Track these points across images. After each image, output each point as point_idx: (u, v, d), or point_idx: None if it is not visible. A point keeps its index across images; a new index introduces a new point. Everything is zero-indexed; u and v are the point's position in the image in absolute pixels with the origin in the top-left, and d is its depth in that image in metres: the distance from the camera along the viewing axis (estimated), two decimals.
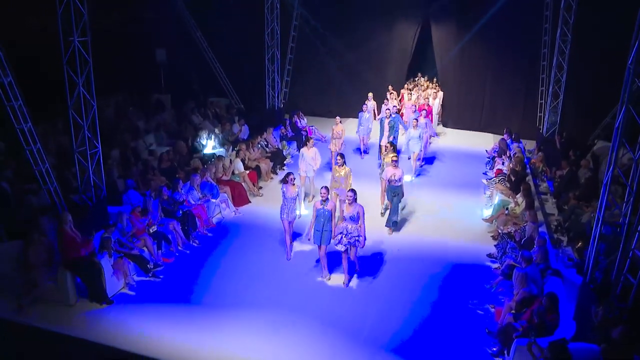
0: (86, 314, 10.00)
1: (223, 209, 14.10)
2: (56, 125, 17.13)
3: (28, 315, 9.90)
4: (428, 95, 22.47)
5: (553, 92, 17.89)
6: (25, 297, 10.12)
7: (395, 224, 13.36)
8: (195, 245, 12.54)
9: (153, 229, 11.74)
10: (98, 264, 10.27)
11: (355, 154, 19.27)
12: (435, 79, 23.93)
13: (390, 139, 17.08)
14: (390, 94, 21.75)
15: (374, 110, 20.13)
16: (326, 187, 10.87)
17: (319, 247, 10.93)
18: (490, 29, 20.67)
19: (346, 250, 10.71)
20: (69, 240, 10.03)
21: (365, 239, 10.78)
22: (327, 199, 10.87)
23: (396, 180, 13.07)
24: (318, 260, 11.40)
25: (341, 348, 9.21)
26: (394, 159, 13.35)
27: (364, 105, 18.80)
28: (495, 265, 11.80)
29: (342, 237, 10.58)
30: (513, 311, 9.32)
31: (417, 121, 17.26)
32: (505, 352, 8.77)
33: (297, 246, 12.36)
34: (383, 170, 13.97)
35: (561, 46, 17.24)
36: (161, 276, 11.24)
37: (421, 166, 18.18)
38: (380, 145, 17.74)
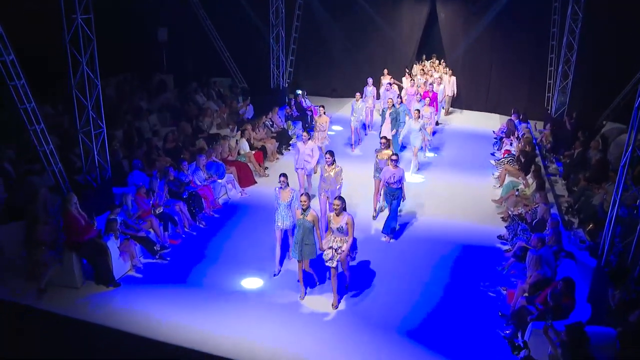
0: (92, 297, 9.86)
1: (229, 190, 13.95)
2: (56, 106, 16.94)
3: (40, 298, 9.77)
4: (434, 80, 21.61)
5: (562, 72, 17.64)
6: (42, 280, 9.95)
7: (393, 231, 12.09)
8: (202, 226, 12.39)
9: (159, 210, 11.58)
10: (104, 245, 10.10)
11: (346, 147, 18.20)
12: (443, 62, 23.38)
13: (393, 132, 15.98)
14: (392, 83, 20.78)
15: (373, 97, 19.62)
16: (307, 194, 9.49)
17: (298, 262, 9.78)
18: (498, 8, 20.37)
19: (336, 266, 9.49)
20: (74, 222, 9.86)
21: (355, 250, 9.60)
22: (309, 207, 9.43)
23: (395, 182, 11.77)
24: None
25: (351, 331, 9.09)
26: (394, 158, 11.90)
27: (358, 94, 18.05)
28: (506, 247, 11.65)
29: (333, 253, 9.34)
30: (526, 294, 9.19)
31: (419, 112, 16.01)
32: (519, 334, 8.64)
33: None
34: (376, 168, 12.82)
35: (571, 25, 16.97)
36: (168, 258, 11.10)
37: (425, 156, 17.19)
38: (384, 137, 15.76)
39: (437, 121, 20.28)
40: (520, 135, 16.65)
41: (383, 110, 16.84)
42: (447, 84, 21.78)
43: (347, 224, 9.22)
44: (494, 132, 19.07)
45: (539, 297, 8.80)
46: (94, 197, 11.49)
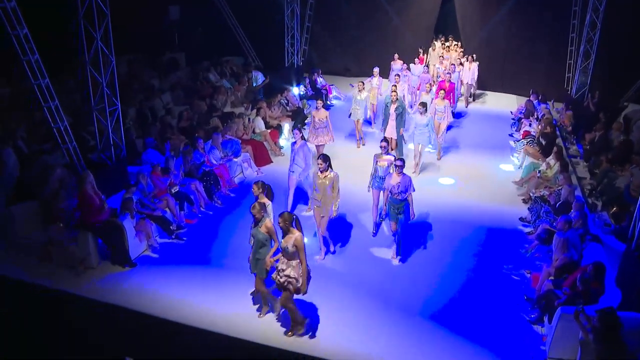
0: (108, 277, 9.71)
1: (245, 169, 13.74)
2: (67, 83, 16.71)
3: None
4: (457, 60, 20.57)
5: (584, 52, 17.23)
6: (78, 265, 9.86)
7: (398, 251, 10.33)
8: (218, 205, 12.19)
9: (175, 189, 11.39)
10: (120, 225, 9.92)
11: (349, 141, 16.48)
12: (460, 44, 22.61)
13: (401, 132, 14.17)
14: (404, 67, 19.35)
15: (378, 89, 18.02)
16: (260, 204, 8.45)
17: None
18: None
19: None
20: (89, 201, 9.67)
21: (308, 280, 8.11)
22: (264, 216, 8.42)
23: (400, 193, 9.93)
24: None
25: (373, 313, 8.92)
26: (398, 163, 10.10)
27: (360, 83, 16.17)
28: (528, 230, 11.41)
29: (277, 275, 8.09)
30: (552, 277, 8.96)
31: (426, 106, 13.99)
32: (546, 319, 8.42)
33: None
34: (373, 177, 11.06)
35: (595, 3, 16.51)
36: (184, 238, 10.92)
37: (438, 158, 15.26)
38: (384, 138, 12.98)
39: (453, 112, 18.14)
40: (539, 116, 16.31)
41: (386, 105, 14.51)
42: (467, 71, 20.18)
43: (295, 245, 7.81)
44: (511, 112, 18.73)
45: (567, 281, 8.57)
46: (108, 176, 11.32)
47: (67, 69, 17.63)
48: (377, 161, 10.95)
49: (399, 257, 10.25)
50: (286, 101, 17.11)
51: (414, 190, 10.14)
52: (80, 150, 11.55)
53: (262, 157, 14.23)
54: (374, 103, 17.34)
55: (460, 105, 20.01)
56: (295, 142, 11.71)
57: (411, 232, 11.31)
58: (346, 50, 23.13)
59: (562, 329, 7.75)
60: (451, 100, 17.13)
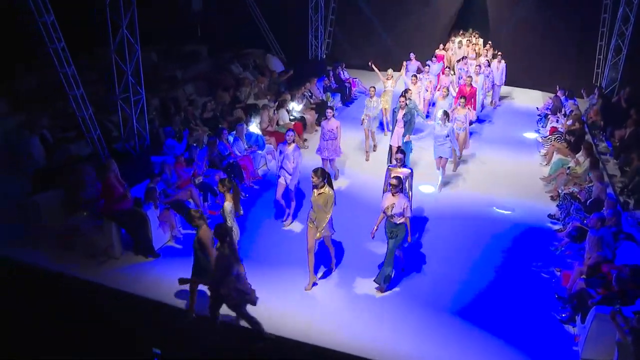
0: (132, 267, 9.66)
1: (269, 161, 13.60)
2: (90, 73, 16.69)
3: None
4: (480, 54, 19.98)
5: (615, 46, 16.82)
6: (101, 254, 9.86)
7: (388, 280, 9.10)
8: (242, 197, 12.02)
9: (199, 180, 11.29)
10: (144, 215, 9.85)
11: (357, 153, 14.96)
12: (488, 42, 21.75)
13: (408, 138, 12.71)
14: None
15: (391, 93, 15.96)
16: (198, 211, 8.26)
17: None
18: None
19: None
20: (112, 189, 9.59)
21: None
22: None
23: (396, 215, 8.77)
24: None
25: (401, 309, 8.78)
26: (393, 182, 8.84)
27: (372, 88, 14.62)
28: (557, 227, 11.17)
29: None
30: (584, 276, 8.72)
31: (447, 115, 12.49)
32: (578, 318, 8.21)
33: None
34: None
35: None
36: None
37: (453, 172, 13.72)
38: (390, 147, 12.84)
39: (473, 120, 16.63)
40: (567, 112, 15.99)
41: (394, 111, 13.20)
42: (495, 71, 18.86)
43: (238, 271, 7.74)
44: (537, 109, 18.39)
45: (600, 281, 8.34)
46: (132, 166, 11.24)
47: (90, 59, 17.67)
48: (390, 175, 9.83)
49: (384, 287, 9.14)
50: (310, 94, 16.94)
51: (411, 214, 8.98)
52: (104, 140, 11.50)
53: None
54: (386, 108, 15.57)
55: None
56: (285, 143, 10.82)
57: (438, 227, 11.19)
58: (370, 43, 22.84)
59: (596, 330, 7.54)
60: (473, 105, 15.79)
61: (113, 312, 8.59)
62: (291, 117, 15.37)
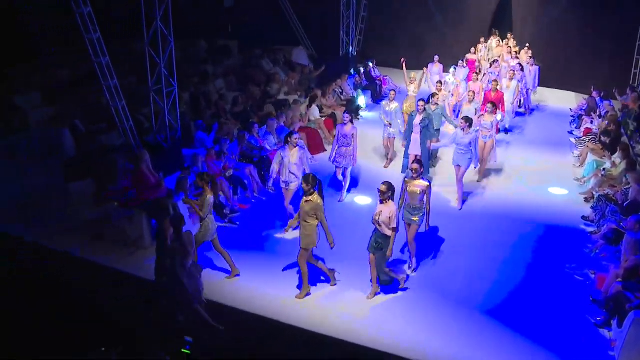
0: None
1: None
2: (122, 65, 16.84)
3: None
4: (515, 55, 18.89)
5: None
6: (131, 244, 9.96)
7: (387, 283, 8.91)
8: (271, 192, 11.95)
9: (229, 173, 11.29)
10: (175, 205, 9.85)
11: (377, 159, 14.14)
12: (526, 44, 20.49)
13: (430, 144, 12.17)
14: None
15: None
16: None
17: None
18: None
19: None
20: (144, 179, 9.64)
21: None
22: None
23: (383, 224, 8.30)
24: None
25: (431, 306, 8.70)
26: (382, 188, 8.29)
27: (392, 92, 13.79)
28: (591, 229, 10.94)
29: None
30: (621, 279, 8.51)
31: (467, 122, 11.44)
32: (614, 322, 8.02)
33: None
34: (402, 207, 9.26)
35: None
36: (237, 223, 10.84)
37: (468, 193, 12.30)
38: (416, 159, 11.54)
39: (505, 128, 16.08)
40: (602, 114, 15.69)
41: (411, 115, 12.53)
42: (527, 76, 17.86)
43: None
44: (571, 109, 18.08)
45: (639, 284, 8.13)
46: (163, 158, 11.27)
47: (122, 52, 17.83)
48: (406, 187, 9.19)
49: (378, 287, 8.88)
50: (340, 90, 16.87)
51: (397, 229, 8.36)
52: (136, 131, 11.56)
53: (316, 146, 14.02)
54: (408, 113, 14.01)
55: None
56: (285, 147, 10.36)
57: (468, 226, 11.05)
58: (401, 41, 22.65)
59: (635, 334, 7.34)
60: (502, 109, 14.65)
61: (141, 302, 8.62)
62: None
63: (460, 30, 21.77)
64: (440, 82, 15.16)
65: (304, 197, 8.42)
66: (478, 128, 12.36)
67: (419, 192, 8.98)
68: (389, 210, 8.19)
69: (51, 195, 11.26)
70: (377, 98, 18.69)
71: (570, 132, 16.45)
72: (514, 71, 16.23)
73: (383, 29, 22.36)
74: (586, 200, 12.15)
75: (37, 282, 8.66)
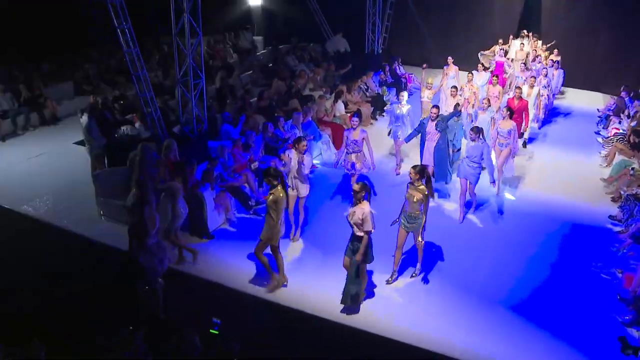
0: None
1: (324, 150, 13.55)
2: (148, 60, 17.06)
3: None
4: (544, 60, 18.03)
5: None
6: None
7: (355, 300, 8.29)
8: None
9: (255, 165, 11.34)
10: (201, 196, 9.94)
11: (382, 172, 12.90)
12: (541, 43, 20.02)
13: (453, 150, 11.90)
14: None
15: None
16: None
17: None
18: None
19: None
20: (173, 167, 9.71)
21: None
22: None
23: (357, 225, 7.89)
24: None
25: (455, 300, 8.72)
26: (355, 187, 7.93)
27: (404, 93, 13.28)
28: (619, 229, 10.82)
29: None
30: None
31: (477, 133, 10.63)
32: None
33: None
34: (400, 213, 8.83)
35: None
36: (262, 215, 10.81)
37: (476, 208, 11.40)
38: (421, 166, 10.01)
39: (524, 141, 14.76)
40: (632, 113, 15.49)
41: (422, 123, 11.80)
42: (551, 79, 17.06)
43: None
44: (598, 110, 17.86)
45: None
46: (190, 149, 11.36)
47: (148, 47, 18.07)
48: (408, 191, 8.66)
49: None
50: (366, 87, 16.86)
51: (372, 228, 7.84)
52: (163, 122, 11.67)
53: (340, 141, 13.94)
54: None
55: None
56: (284, 151, 10.22)
57: (493, 223, 11.01)
58: (426, 40, 22.55)
59: None
60: (525, 121, 13.91)
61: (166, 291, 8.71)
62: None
63: (487, 29, 21.49)
64: (455, 87, 13.91)
65: (269, 190, 8.29)
66: (496, 136, 11.96)
67: (416, 199, 8.40)
68: (361, 211, 7.76)
69: (80, 184, 11.48)
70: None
71: (597, 133, 16.26)
72: (534, 77, 15.31)
73: (409, 27, 22.27)
74: (613, 200, 12.02)
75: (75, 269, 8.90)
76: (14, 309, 7.82)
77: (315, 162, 13.13)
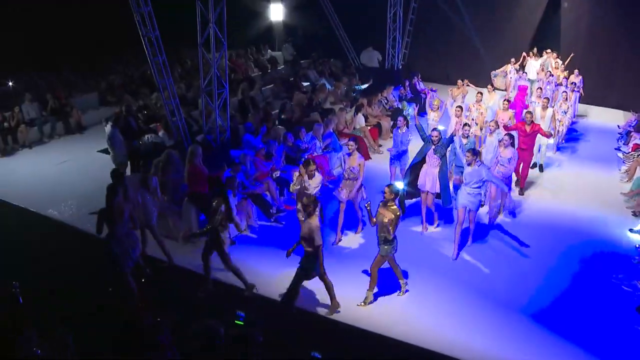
0: None
1: (344, 162, 13.64)
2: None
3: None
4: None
5: None
6: (179, 237, 10.31)
7: (290, 306, 8.30)
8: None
9: (276, 174, 11.50)
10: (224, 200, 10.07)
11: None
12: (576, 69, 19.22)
13: (456, 181, 11.05)
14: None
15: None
16: None
17: None
18: None
19: None
20: (198, 173, 9.89)
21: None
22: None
23: (305, 239, 7.98)
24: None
25: (472, 306, 8.78)
26: (304, 201, 8.05)
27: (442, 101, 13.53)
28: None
29: None
30: None
31: (474, 156, 9.77)
32: None
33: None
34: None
35: None
36: (283, 222, 11.01)
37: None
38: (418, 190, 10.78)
39: (540, 164, 14.15)
40: None
41: (423, 145, 10.72)
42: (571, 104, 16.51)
43: None
44: (619, 126, 17.84)
45: None
46: (213, 157, 11.55)
47: (171, 61, 18.40)
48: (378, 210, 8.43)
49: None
50: (386, 101, 17.01)
51: (318, 243, 7.86)
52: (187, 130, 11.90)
53: (361, 153, 14.09)
54: None
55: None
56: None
57: (514, 233, 11.05)
58: (446, 57, 22.71)
59: None
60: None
61: (184, 292, 8.83)
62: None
63: (505, 47, 21.56)
64: (460, 107, 13.22)
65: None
66: (496, 165, 11.16)
67: (387, 220, 8.10)
68: (309, 226, 7.80)
69: (103, 190, 11.64)
70: (422, 111, 18.73)
71: (618, 149, 16.23)
72: (547, 98, 14.34)
73: (429, 43, 22.44)
74: (634, 214, 12.01)
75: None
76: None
77: (335, 171, 13.33)
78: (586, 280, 9.56)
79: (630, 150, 15.13)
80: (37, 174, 13.22)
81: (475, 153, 9.94)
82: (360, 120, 15.02)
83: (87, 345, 6.33)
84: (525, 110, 13.30)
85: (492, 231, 10.93)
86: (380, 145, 15.30)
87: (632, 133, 16.23)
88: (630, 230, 11.25)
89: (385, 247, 8.37)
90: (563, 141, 16.13)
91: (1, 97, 15.67)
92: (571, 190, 13.31)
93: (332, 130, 13.63)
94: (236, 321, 5.58)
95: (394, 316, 8.50)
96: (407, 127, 11.94)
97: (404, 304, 8.80)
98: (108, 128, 12.24)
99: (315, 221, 7.81)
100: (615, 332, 8.28)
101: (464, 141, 11.46)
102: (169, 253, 9.50)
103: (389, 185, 8.41)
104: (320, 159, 12.68)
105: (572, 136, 17.27)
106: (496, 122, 12.34)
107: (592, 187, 13.54)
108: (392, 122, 16.19)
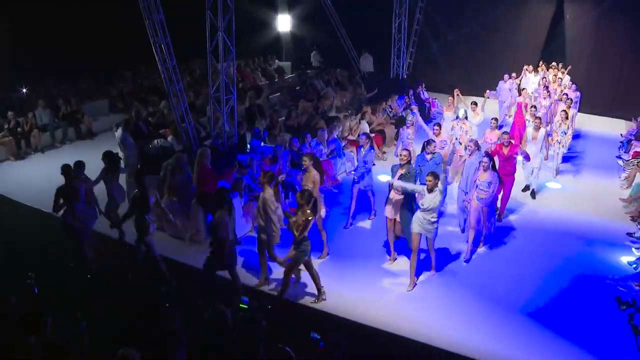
0: None
1: (348, 168, 13.97)
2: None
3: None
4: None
5: None
6: (187, 237, 10.66)
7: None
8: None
9: (282, 177, 11.76)
10: (230, 202, 10.35)
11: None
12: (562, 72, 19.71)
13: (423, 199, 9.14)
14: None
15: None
16: None
17: None
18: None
19: None
20: (208, 173, 10.19)
21: None
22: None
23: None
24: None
25: (473, 304, 9.06)
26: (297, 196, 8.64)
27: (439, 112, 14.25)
28: (637, 245, 11.00)
29: None
30: None
31: (435, 179, 8.77)
32: None
33: None
34: None
35: None
36: (286, 224, 11.20)
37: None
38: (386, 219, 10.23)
39: (532, 189, 13.31)
40: None
41: (392, 168, 10.03)
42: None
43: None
44: (621, 135, 18.04)
45: None
46: (220, 162, 11.83)
47: (183, 68, 18.76)
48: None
49: None
50: (390, 109, 17.29)
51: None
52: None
53: (381, 140, 14.43)
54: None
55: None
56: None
57: (515, 239, 11.33)
58: (451, 67, 23.03)
59: None
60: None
61: (192, 291, 9.07)
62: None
63: (513, 58, 21.79)
64: (438, 124, 12.50)
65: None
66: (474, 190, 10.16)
67: (298, 223, 8.53)
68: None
69: (113, 192, 11.95)
70: (425, 120, 18.97)
71: (619, 157, 16.42)
72: (539, 118, 13.33)
73: (433, 54, 22.78)
74: (633, 219, 12.21)
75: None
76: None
77: (339, 176, 13.62)
78: (585, 283, 9.79)
79: (630, 157, 15.34)
80: (50, 177, 13.45)
81: (437, 177, 8.89)
82: (365, 126, 15.26)
83: (100, 332, 6.59)
84: (501, 131, 12.82)
85: (491, 236, 11.10)
86: (384, 152, 15.59)
87: (633, 141, 16.43)
88: (628, 234, 11.46)
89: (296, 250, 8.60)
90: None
91: (16, 103, 16.11)
92: (572, 196, 13.59)
93: (336, 137, 13.90)
94: (240, 304, 5.85)
95: (393, 316, 8.73)
96: (370, 146, 11.51)
97: (404, 304, 9.05)
98: (119, 132, 12.56)
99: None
100: (612, 331, 8.46)
101: (428, 157, 10.73)
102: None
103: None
104: (325, 164, 12.96)
105: (573, 146, 17.50)
106: (476, 142, 11.16)
107: (593, 193, 13.81)
108: (395, 130, 16.51)
